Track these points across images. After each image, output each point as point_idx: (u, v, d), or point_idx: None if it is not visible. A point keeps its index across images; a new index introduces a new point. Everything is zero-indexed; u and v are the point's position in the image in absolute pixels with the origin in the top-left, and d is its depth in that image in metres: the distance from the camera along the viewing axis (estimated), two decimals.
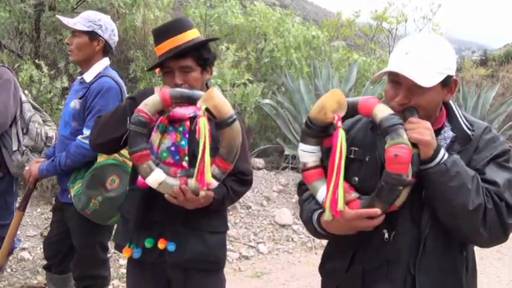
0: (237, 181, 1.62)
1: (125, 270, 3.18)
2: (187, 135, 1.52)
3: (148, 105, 1.43)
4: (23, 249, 3.24)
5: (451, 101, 1.27)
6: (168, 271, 1.63)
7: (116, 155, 1.96)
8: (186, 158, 1.51)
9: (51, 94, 4.04)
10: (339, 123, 1.17)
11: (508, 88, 8.29)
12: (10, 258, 2.85)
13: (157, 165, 1.45)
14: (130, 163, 1.98)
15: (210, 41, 1.71)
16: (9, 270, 3.01)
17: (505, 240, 1.17)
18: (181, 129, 1.53)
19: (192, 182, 1.41)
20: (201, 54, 1.57)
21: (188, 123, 1.54)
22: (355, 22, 9.23)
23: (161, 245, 1.57)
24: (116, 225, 1.96)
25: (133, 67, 4.95)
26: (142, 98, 1.47)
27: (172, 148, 1.52)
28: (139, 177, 1.48)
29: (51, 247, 2.28)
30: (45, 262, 2.35)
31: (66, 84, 4.04)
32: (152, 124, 1.48)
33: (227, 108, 1.40)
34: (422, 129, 1.12)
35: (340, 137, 1.15)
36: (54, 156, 2.08)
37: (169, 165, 1.49)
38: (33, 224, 3.59)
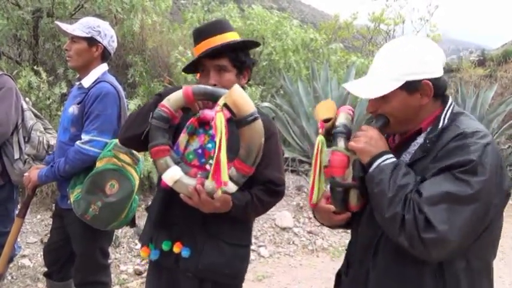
0: (265, 190, 1.52)
1: (125, 276, 3.20)
2: (215, 138, 1.47)
3: (170, 101, 1.41)
4: (24, 256, 3.23)
5: (448, 104, 1.22)
6: (182, 280, 1.57)
7: (115, 159, 1.95)
8: (211, 161, 1.44)
9: (50, 100, 4.04)
10: (320, 130, 1.30)
11: (507, 88, 8.30)
12: (10, 265, 2.84)
13: (177, 163, 1.41)
14: (129, 168, 1.98)
15: (248, 43, 1.64)
16: (9, 277, 2.99)
17: (428, 257, 1.09)
18: (211, 131, 1.49)
19: (208, 183, 1.35)
20: (237, 56, 1.53)
21: None
22: (353, 24, 9.26)
23: (176, 248, 1.51)
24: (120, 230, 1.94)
25: (132, 72, 4.96)
26: (168, 95, 1.44)
27: (199, 150, 1.49)
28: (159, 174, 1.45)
29: (51, 254, 2.27)
30: (45, 269, 2.35)
31: (65, 90, 4.05)
32: (175, 120, 1.45)
33: (248, 106, 1.32)
34: (361, 137, 1.20)
35: (318, 140, 1.28)
36: (53, 162, 2.08)
37: (195, 167, 1.44)
38: (34, 230, 3.57)
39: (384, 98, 1.19)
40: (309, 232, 4.20)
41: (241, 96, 1.32)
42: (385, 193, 1.11)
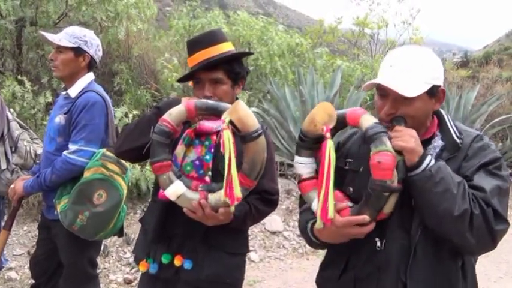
0: (261, 200, 1.56)
1: (115, 286, 3.17)
2: (212, 150, 1.49)
3: (172, 115, 1.39)
4: (10, 268, 3.18)
5: (442, 111, 1.29)
6: None
7: (103, 169, 1.95)
8: (210, 172, 1.47)
9: (35, 110, 4.00)
10: (327, 134, 1.22)
11: (489, 88, 8.47)
12: None
13: (179, 177, 1.42)
14: (117, 177, 1.98)
15: (242, 54, 1.69)
16: None
17: (493, 248, 1.16)
18: (207, 143, 1.50)
19: (212, 197, 1.37)
20: (232, 68, 1.54)
21: (215, 137, 1.50)
22: (338, 28, 9.37)
23: (177, 261, 1.52)
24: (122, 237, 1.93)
25: (117, 80, 4.93)
26: (168, 108, 1.44)
27: (197, 162, 1.49)
28: (161, 190, 1.43)
29: (38, 266, 2.23)
30: (33, 281, 2.31)
31: (49, 100, 4.01)
32: (176, 135, 1.44)
33: (252, 122, 1.34)
34: (406, 136, 1.15)
35: (329, 146, 1.19)
36: (39, 173, 2.06)
37: (193, 179, 1.45)
38: (20, 242, 3.52)
39: (409, 100, 1.18)
40: (299, 235, 4.22)
41: (246, 113, 1.33)
42: (451, 191, 1.11)
